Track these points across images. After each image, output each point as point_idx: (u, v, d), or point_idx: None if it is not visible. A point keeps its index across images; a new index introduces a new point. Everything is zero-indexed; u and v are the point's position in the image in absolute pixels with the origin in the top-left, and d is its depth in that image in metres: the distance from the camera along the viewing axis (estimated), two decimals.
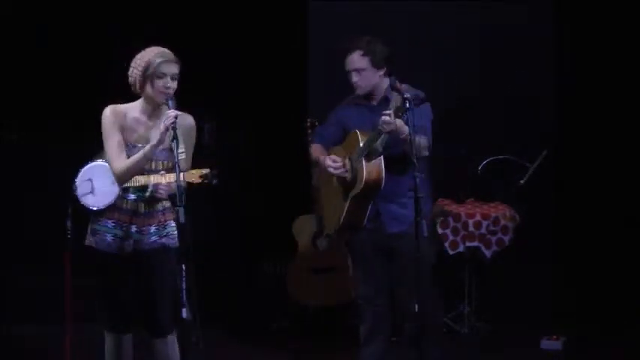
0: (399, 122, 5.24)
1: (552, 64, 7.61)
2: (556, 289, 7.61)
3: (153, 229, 5.19)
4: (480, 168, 7.23)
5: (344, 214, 5.56)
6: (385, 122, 5.25)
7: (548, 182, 7.49)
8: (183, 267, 4.84)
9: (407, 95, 5.31)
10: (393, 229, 5.57)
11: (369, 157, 5.42)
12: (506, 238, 7.13)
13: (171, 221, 5.24)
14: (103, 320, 5.30)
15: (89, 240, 5.21)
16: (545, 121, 7.68)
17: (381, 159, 5.42)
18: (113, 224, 5.16)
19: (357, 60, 5.55)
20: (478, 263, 7.21)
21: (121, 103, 5.20)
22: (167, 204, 5.24)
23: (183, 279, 4.83)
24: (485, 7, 7.59)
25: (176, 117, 4.97)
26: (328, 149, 5.73)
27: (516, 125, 7.63)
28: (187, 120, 5.21)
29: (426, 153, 5.51)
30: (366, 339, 5.75)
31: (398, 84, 5.40)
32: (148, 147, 5.01)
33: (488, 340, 7.16)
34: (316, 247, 7.42)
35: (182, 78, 5.16)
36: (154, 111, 5.13)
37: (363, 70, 5.55)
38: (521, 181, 7.01)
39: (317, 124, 7.49)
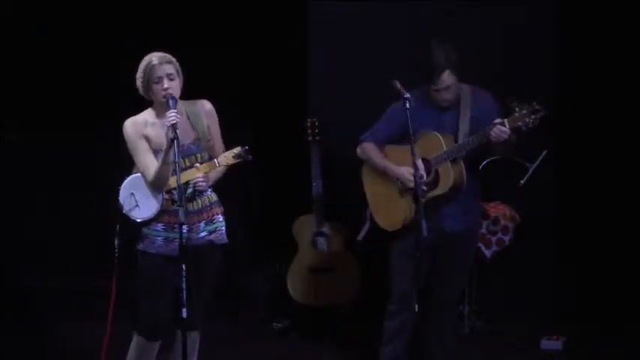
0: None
1: (552, 64, 7.61)
2: (556, 289, 7.60)
3: (202, 225, 5.24)
4: (479, 168, 7.23)
5: (413, 215, 5.56)
6: (501, 131, 5.40)
7: (548, 182, 7.49)
8: (183, 267, 4.86)
9: (407, 95, 5.36)
10: (449, 228, 5.69)
11: (455, 159, 5.56)
12: (506, 238, 7.13)
13: (220, 215, 5.30)
14: (136, 322, 5.30)
15: (140, 245, 5.23)
16: (545, 121, 7.66)
17: (462, 163, 5.59)
18: (163, 227, 5.21)
19: (447, 79, 5.63)
20: (478, 263, 7.21)
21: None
22: (214, 198, 5.28)
23: (184, 279, 4.84)
24: (485, 7, 7.59)
25: (176, 116, 5.00)
26: (382, 149, 5.83)
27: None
28: (205, 106, 5.29)
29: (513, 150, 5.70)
30: (390, 338, 5.84)
31: (398, 84, 5.42)
32: (163, 153, 5.05)
33: (488, 340, 7.16)
34: (316, 247, 7.42)
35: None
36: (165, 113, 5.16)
37: (451, 86, 5.62)
38: (521, 181, 7.00)
39: (317, 124, 7.50)
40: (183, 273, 4.85)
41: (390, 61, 7.20)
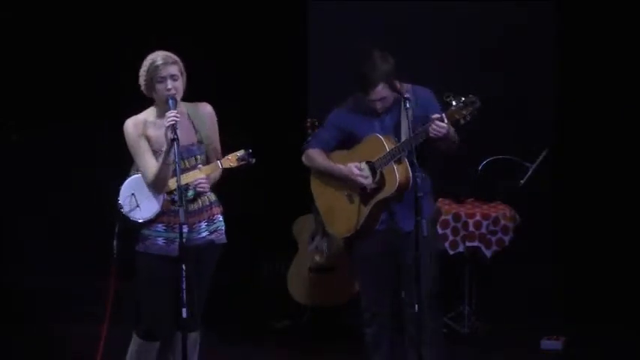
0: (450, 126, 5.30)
1: (552, 64, 7.61)
2: (556, 289, 7.61)
3: (203, 224, 5.23)
4: (479, 168, 7.23)
5: (364, 218, 5.55)
6: (439, 127, 5.28)
7: (548, 182, 7.49)
8: (183, 267, 4.86)
9: (407, 95, 5.34)
10: (407, 227, 5.53)
11: (399, 160, 5.46)
12: (506, 238, 7.12)
13: (220, 215, 5.30)
14: (135, 323, 5.29)
15: (140, 246, 5.21)
16: (545, 121, 7.67)
17: (406, 161, 5.45)
18: (164, 228, 5.20)
19: (381, 91, 5.48)
20: (478, 263, 7.21)
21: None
22: (213, 197, 5.28)
23: (183, 279, 4.84)
24: (485, 7, 7.59)
25: (176, 117, 5.00)
26: (329, 154, 5.73)
27: (516, 125, 7.63)
28: (205, 108, 5.30)
29: (455, 148, 5.58)
30: (374, 343, 5.74)
31: (398, 84, 5.41)
32: (163, 154, 5.05)
33: (488, 340, 7.16)
34: (316, 247, 7.42)
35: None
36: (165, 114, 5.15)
37: (385, 97, 5.52)
38: (521, 181, 7.00)
39: (317, 124, 7.49)
40: (184, 273, 4.85)
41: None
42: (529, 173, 7.06)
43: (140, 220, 5.17)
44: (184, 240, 4.93)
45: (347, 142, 5.65)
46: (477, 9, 7.60)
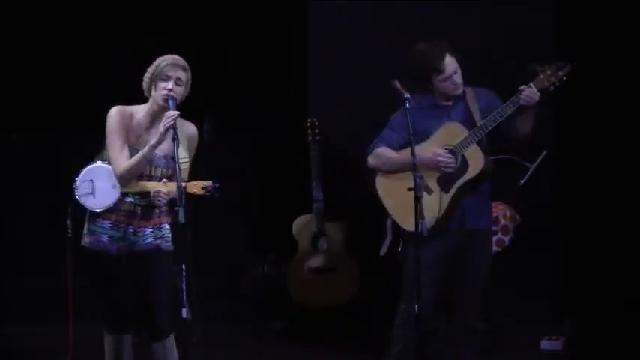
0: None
1: None
2: (556, 289, 7.60)
3: (149, 230, 5.20)
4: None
5: (446, 207, 5.55)
6: (530, 93, 5.39)
7: (548, 182, 7.48)
8: (183, 267, 4.85)
9: (407, 95, 5.35)
10: (471, 225, 5.62)
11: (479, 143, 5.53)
12: (506, 238, 7.12)
13: (167, 224, 5.26)
14: (101, 320, 5.31)
15: (85, 240, 5.21)
16: (545, 121, 7.66)
17: (477, 147, 5.55)
18: (110, 225, 5.17)
19: (451, 62, 5.59)
20: None
21: (119, 102, 5.22)
22: (164, 207, 5.24)
23: (183, 279, 4.84)
24: (486, 6, 7.59)
25: (176, 117, 4.98)
26: (398, 152, 5.70)
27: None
28: (190, 128, 5.26)
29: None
30: (396, 341, 5.70)
31: (398, 85, 5.41)
32: (147, 147, 5.02)
33: (488, 340, 7.15)
34: (316, 247, 7.42)
35: None
36: (158, 114, 5.13)
37: (458, 68, 5.60)
38: (521, 181, 7.00)
39: (317, 124, 7.50)
40: (183, 273, 4.85)
41: (390, 61, 7.19)
42: (529, 173, 7.05)
43: (88, 208, 5.16)
44: (128, 242, 5.10)
45: (412, 142, 5.48)
46: (477, 9, 7.59)
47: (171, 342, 5.24)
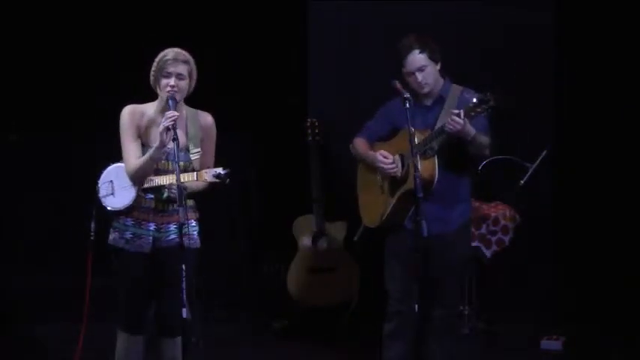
0: (468, 123, 5.27)
1: (552, 63, 7.61)
2: (556, 289, 7.61)
3: (172, 227, 5.21)
4: (479, 168, 7.23)
5: (389, 210, 5.54)
6: (455, 122, 5.25)
7: (548, 182, 7.49)
8: (183, 267, 4.86)
9: (407, 95, 5.32)
10: (433, 230, 5.41)
11: (425, 155, 5.41)
12: (506, 238, 7.13)
13: (192, 220, 5.27)
14: (117, 319, 5.30)
15: (110, 238, 5.24)
16: (545, 121, 7.67)
17: (435, 158, 5.42)
18: (132, 222, 5.20)
19: (417, 58, 5.47)
20: (478, 263, 7.20)
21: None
22: (189, 203, 5.24)
23: (184, 279, 4.84)
24: (486, 7, 7.59)
25: (175, 118, 4.99)
26: (372, 144, 5.69)
27: (516, 125, 7.62)
28: (206, 119, 5.29)
29: (487, 152, 5.56)
30: (389, 338, 5.68)
31: (398, 84, 5.40)
32: (152, 149, 5.04)
33: (488, 340, 7.16)
34: (316, 247, 7.42)
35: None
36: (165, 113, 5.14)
37: (425, 67, 5.49)
38: (521, 181, 7.00)
39: (317, 124, 7.50)
40: (183, 273, 4.85)
41: (390, 62, 7.19)
42: (529, 173, 7.06)
43: (109, 208, 5.20)
44: (151, 239, 5.12)
45: (393, 133, 5.59)
46: (477, 9, 7.60)
47: (178, 342, 5.26)
